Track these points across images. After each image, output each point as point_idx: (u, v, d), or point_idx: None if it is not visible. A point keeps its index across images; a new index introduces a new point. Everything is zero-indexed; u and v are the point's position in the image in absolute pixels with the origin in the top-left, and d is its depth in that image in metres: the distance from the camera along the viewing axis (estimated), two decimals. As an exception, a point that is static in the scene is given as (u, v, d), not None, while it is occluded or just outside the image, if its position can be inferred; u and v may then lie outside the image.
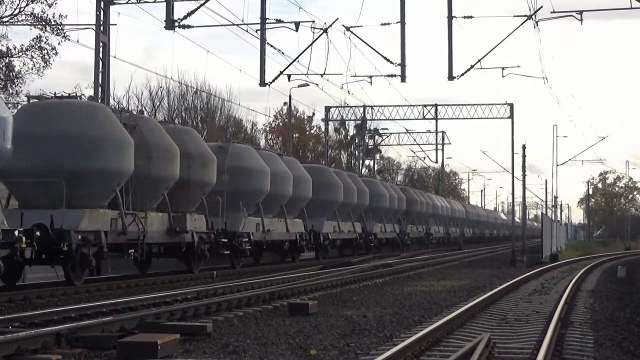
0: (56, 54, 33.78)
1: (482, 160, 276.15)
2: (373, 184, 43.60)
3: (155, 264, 24.06)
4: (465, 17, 27.81)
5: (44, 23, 33.03)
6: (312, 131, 68.59)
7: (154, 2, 27.35)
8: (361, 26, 29.52)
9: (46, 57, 33.70)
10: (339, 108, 54.80)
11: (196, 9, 26.18)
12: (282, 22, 27.91)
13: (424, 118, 52.47)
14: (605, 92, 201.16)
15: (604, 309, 16.20)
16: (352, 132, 69.99)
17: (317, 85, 34.53)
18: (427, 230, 54.96)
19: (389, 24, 28.22)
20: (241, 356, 9.92)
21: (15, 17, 33.32)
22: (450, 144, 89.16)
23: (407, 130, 60.31)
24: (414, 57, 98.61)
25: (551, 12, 27.02)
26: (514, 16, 27.88)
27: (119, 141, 20.14)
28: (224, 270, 25.39)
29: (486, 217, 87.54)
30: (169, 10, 26.19)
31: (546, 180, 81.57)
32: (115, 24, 26.56)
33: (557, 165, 64.21)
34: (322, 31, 28.64)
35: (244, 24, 27.60)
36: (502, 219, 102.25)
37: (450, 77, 28.15)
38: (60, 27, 32.77)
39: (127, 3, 26.90)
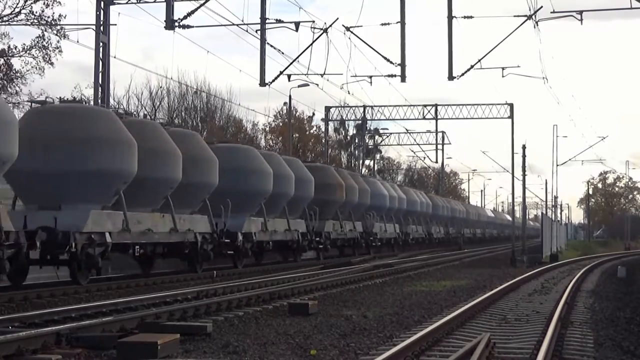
0: (60, 52, 33.84)
1: (482, 160, 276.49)
2: (235, 154, 27.54)
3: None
4: (465, 17, 27.85)
5: (44, 22, 33.05)
6: (312, 131, 68.63)
7: (154, 2, 27.37)
8: (361, 26, 29.63)
9: (48, 56, 33.71)
10: (339, 108, 54.86)
11: (196, 9, 26.20)
12: (282, 22, 27.96)
13: (424, 118, 52.50)
14: (605, 92, 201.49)
15: (604, 309, 16.20)
16: (352, 132, 70.08)
17: (317, 85, 34.59)
18: (366, 228, 40.59)
19: (389, 24, 28.26)
20: (241, 356, 9.92)
21: (15, 17, 33.34)
22: (450, 144, 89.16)
23: (407, 130, 60.36)
24: (414, 57, 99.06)
25: (551, 12, 27.07)
26: (514, 16, 27.96)
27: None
28: (225, 270, 25.38)
29: (465, 213, 70.88)
30: (169, 10, 26.21)
31: (546, 180, 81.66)
32: (115, 24, 26.59)
33: (557, 165, 64.35)
34: (322, 31, 28.67)
35: (244, 24, 27.65)
36: (489, 216, 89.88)
37: (450, 77, 28.17)
38: (60, 27, 32.79)
39: (127, 3, 26.91)
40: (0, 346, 9.23)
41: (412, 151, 64.82)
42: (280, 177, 29.30)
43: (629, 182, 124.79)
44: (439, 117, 52.31)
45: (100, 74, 26.29)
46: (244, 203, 26.55)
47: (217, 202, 24.71)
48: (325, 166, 38.73)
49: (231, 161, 26.44)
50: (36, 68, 33.96)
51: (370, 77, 33.83)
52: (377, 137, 65.27)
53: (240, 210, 26.19)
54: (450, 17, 27.60)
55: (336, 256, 37.39)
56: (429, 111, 52.07)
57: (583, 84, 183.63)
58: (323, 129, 59.16)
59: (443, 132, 60.70)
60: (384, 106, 53.06)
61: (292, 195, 30.69)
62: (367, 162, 67.32)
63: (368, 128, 61.76)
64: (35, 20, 33.04)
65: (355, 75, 33.43)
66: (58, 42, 33.55)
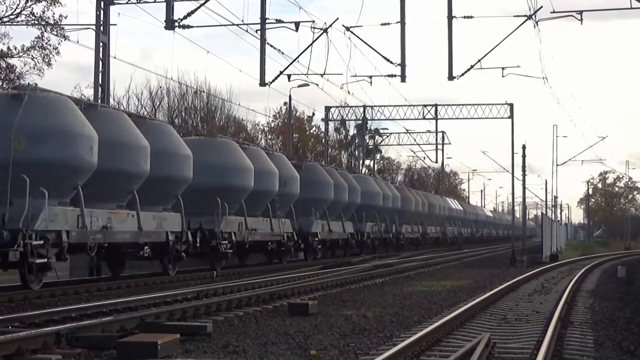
0: (58, 53, 33.79)
1: (482, 160, 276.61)
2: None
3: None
4: (465, 17, 27.84)
5: (44, 23, 33.02)
6: (312, 131, 68.61)
7: (154, 2, 27.36)
8: (361, 26, 29.58)
9: (47, 57, 33.68)
10: (339, 108, 54.83)
11: (196, 9, 26.18)
12: (282, 22, 27.92)
13: (424, 118, 52.46)
14: (605, 92, 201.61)
15: (604, 309, 16.20)
16: (352, 132, 70.05)
17: (317, 85, 34.56)
18: (272, 226, 29.43)
19: (389, 24, 28.24)
20: (241, 356, 9.93)
21: (16, 17, 33.32)
22: (450, 144, 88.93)
23: (407, 130, 60.32)
24: (414, 57, 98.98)
25: (551, 12, 27.06)
26: (514, 16, 27.96)
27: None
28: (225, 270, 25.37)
29: (412, 203, 51.29)
30: (169, 10, 26.19)
31: (546, 180, 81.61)
32: (115, 24, 26.57)
33: (557, 165, 64.32)
34: (322, 31, 28.66)
35: (244, 24, 27.61)
36: (456, 209, 67.33)
37: (450, 77, 28.15)
38: (60, 27, 32.75)
39: (127, 3, 26.89)
40: (0, 346, 9.24)
41: (412, 151, 64.76)
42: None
43: (629, 182, 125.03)
44: (439, 117, 52.25)
45: (100, 74, 26.27)
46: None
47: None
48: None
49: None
50: (35, 69, 33.93)
51: (370, 77, 33.84)
52: (377, 137, 65.27)
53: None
54: (450, 17, 27.59)
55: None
56: (429, 111, 52.06)
57: (583, 84, 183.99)
58: (323, 129, 59.15)
59: (443, 132, 60.67)
60: (384, 106, 53.06)
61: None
62: (367, 162, 67.34)
63: (368, 128, 61.77)
64: (36, 21, 33.02)
65: (355, 75, 33.44)
66: (59, 43, 33.54)
